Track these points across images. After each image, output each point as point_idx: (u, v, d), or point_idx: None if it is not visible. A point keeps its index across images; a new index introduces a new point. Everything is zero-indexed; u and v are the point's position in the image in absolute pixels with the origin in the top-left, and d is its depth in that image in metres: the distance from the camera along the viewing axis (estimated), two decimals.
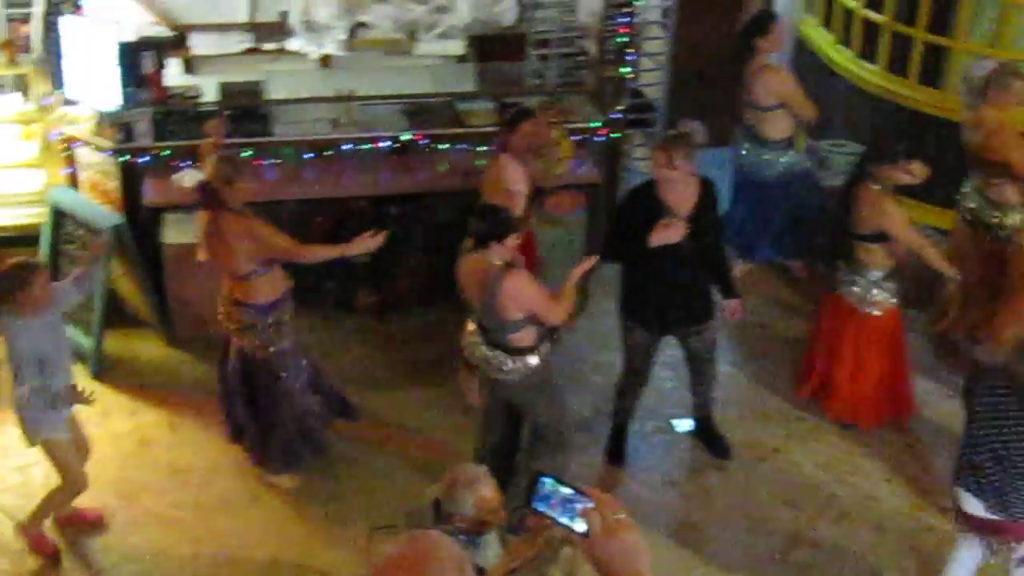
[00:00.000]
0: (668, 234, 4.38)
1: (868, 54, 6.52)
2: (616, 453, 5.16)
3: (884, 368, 5.24)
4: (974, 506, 3.82)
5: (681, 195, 4.51)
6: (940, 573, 4.33)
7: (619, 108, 5.78)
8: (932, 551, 4.63)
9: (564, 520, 1.91)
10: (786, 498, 5.04)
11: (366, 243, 4.36)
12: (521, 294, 4.07)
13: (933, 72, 6.21)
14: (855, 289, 4.96)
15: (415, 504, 3.85)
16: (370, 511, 4.68)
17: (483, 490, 3.47)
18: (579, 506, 1.90)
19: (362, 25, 5.99)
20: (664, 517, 4.94)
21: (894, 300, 4.98)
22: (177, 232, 5.29)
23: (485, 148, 5.46)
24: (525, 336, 4.17)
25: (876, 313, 5.00)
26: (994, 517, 3.79)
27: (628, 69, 5.73)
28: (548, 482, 1.96)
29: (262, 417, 4.68)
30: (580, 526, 1.86)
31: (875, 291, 4.96)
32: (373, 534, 3.78)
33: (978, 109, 5.16)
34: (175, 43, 5.85)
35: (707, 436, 5.23)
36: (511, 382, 4.28)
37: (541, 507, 1.94)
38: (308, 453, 4.81)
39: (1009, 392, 3.68)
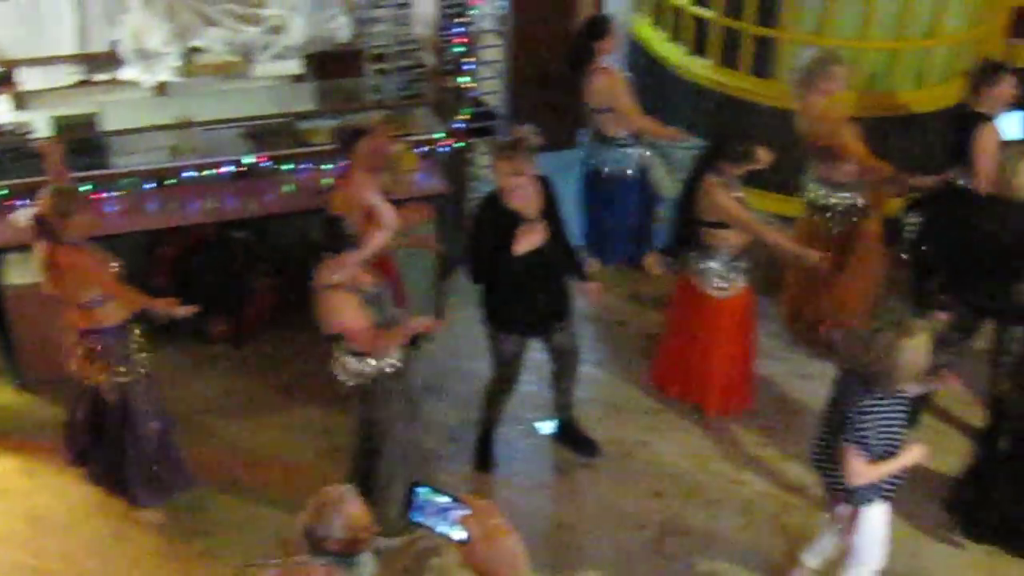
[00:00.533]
0: (532, 239, 4.54)
1: (699, 49, 6.78)
2: (485, 460, 5.26)
3: (734, 352, 5.43)
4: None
5: (528, 199, 4.65)
6: (806, 550, 4.57)
7: (461, 118, 5.87)
8: (799, 529, 4.85)
9: (442, 529, 1.94)
10: (654, 490, 5.20)
11: (169, 306, 4.45)
12: (333, 316, 4.18)
13: (763, 63, 6.49)
14: (705, 272, 5.11)
15: (287, 534, 3.85)
16: (243, 543, 4.72)
17: (349, 508, 3.49)
18: (456, 514, 1.93)
19: (196, 50, 5.94)
20: (537, 519, 5.04)
21: (743, 282, 5.15)
22: (19, 273, 5.18)
23: (330, 167, 5.48)
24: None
25: (726, 296, 5.17)
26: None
27: (467, 78, 5.82)
28: (423, 492, 1.98)
29: (119, 450, 4.63)
30: (458, 534, 1.89)
31: (723, 274, 5.12)
32: (245, 570, 3.82)
33: (805, 97, 5.44)
34: (2, 79, 5.72)
35: (572, 437, 5.35)
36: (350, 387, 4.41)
37: (418, 518, 1.97)
38: (174, 486, 4.81)
39: (853, 374, 3.91)
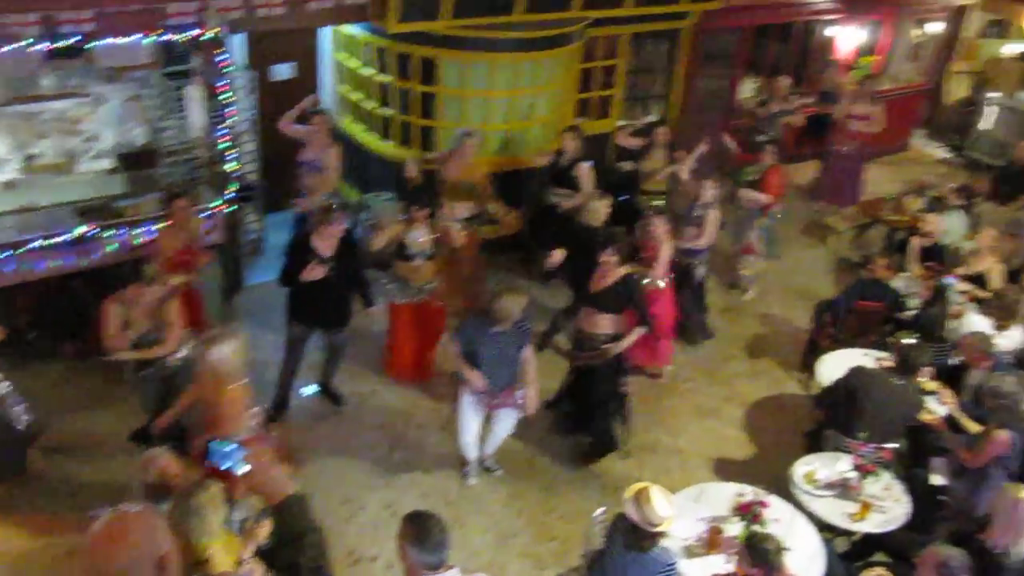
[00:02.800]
0: (314, 274, 6.46)
1: (386, 135, 9.52)
2: (282, 406, 7.23)
3: (421, 339, 7.67)
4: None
5: (327, 244, 6.55)
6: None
7: (230, 191, 8.02)
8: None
9: (229, 465, 2.54)
10: (383, 421, 7.39)
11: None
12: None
13: (428, 142, 9.31)
14: (402, 290, 7.35)
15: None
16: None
17: (164, 464, 4.17)
18: (240, 454, 2.63)
19: (32, 156, 7.68)
20: (309, 452, 6.89)
21: (426, 295, 7.35)
22: None
23: (140, 231, 7.49)
24: None
25: (416, 302, 7.40)
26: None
27: (233, 164, 7.98)
28: (213, 445, 2.72)
29: None
30: (243, 468, 2.60)
31: (419, 289, 7.34)
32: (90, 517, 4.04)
33: (453, 160, 8.36)
34: None
35: (329, 393, 7.55)
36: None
37: (213, 461, 2.64)
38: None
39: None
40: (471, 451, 6.75)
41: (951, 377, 7.04)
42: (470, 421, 6.50)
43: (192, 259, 7.26)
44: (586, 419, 7.13)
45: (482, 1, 8.29)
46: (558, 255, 7.37)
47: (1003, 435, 5.82)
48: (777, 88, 11.04)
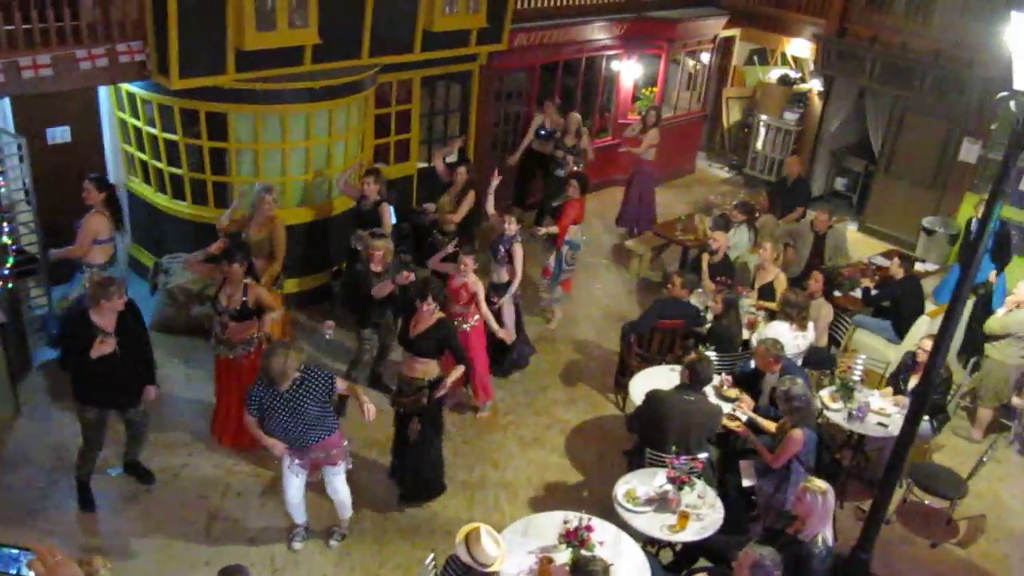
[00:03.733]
0: (103, 348, 6.08)
1: (179, 194, 9.19)
2: (86, 501, 6.76)
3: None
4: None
5: (107, 319, 6.19)
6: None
7: (8, 265, 7.56)
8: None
9: (13, 572, 2.19)
10: (199, 494, 7.03)
11: None
12: None
13: (223, 198, 8.99)
14: (222, 348, 7.22)
15: None
16: None
17: None
18: (24, 559, 2.22)
19: None
20: (123, 538, 6.50)
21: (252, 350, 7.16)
22: None
23: None
24: None
25: (244, 361, 7.22)
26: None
27: (8, 236, 7.54)
28: None
29: None
30: (29, 574, 2.20)
31: (239, 348, 7.18)
32: None
33: (255, 217, 8.15)
34: None
35: (136, 470, 7.13)
36: None
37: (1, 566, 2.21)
38: None
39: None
40: (298, 515, 6.59)
41: (750, 382, 7.51)
42: (290, 484, 6.34)
43: None
44: (412, 462, 7.08)
45: (268, 53, 8.16)
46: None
47: (797, 433, 6.26)
48: (569, 122, 11.49)
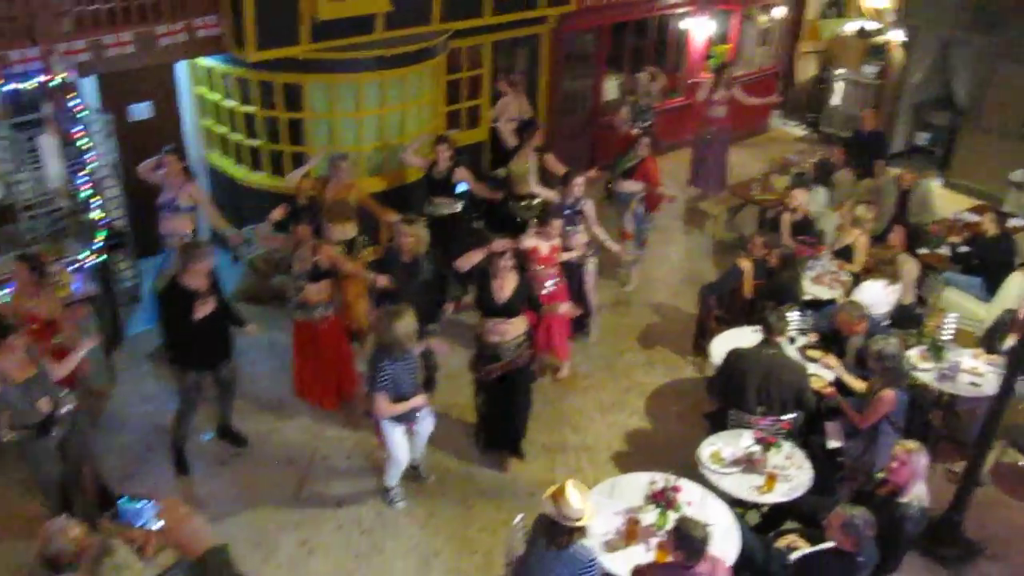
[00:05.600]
0: (206, 308, 6.34)
1: (257, 166, 9.31)
2: (182, 466, 6.99)
3: (333, 360, 7.61)
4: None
5: (200, 281, 6.41)
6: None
7: (98, 240, 7.73)
8: (374, 458, 7.09)
9: (142, 524, 2.66)
10: (288, 457, 7.24)
11: None
12: None
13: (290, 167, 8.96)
14: (299, 311, 7.39)
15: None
16: None
17: (72, 532, 4.01)
18: (152, 511, 2.68)
19: None
20: (216, 501, 6.69)
21: (321, 316, 7.38)
22: None
23: (3, 292, 7.01)
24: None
25: (322, 324, 7.38)
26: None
27: (98, 212, 7.68)
28: (122, 502, 2.80)
29: None
30: (157, 524, 2.62)
31: (316, 311, 7.33)
32: None
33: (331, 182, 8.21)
34: None
35: (227, 434, 7.33)
36: None
37: (124, 520, 2.70)
38: None
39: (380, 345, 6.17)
40: (401, 472, 6.70)
41: (835, 345, 7.35)
42: (402, 443, 6.47)
43: (55, 324, 6.82)
44: (512, 426, 7.18)
45: (340, 22, 8.20)
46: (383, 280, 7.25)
47: (889, 394, 6.12)
48: (639, 82, 11.33)
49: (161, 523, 2.67)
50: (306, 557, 6.34)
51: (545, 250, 7.80)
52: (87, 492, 6.12)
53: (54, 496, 5.95)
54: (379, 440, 6.64)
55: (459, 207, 9.12)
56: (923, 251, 9.32)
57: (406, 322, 5.89)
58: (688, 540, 4.70)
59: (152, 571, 3.38)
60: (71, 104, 7.40)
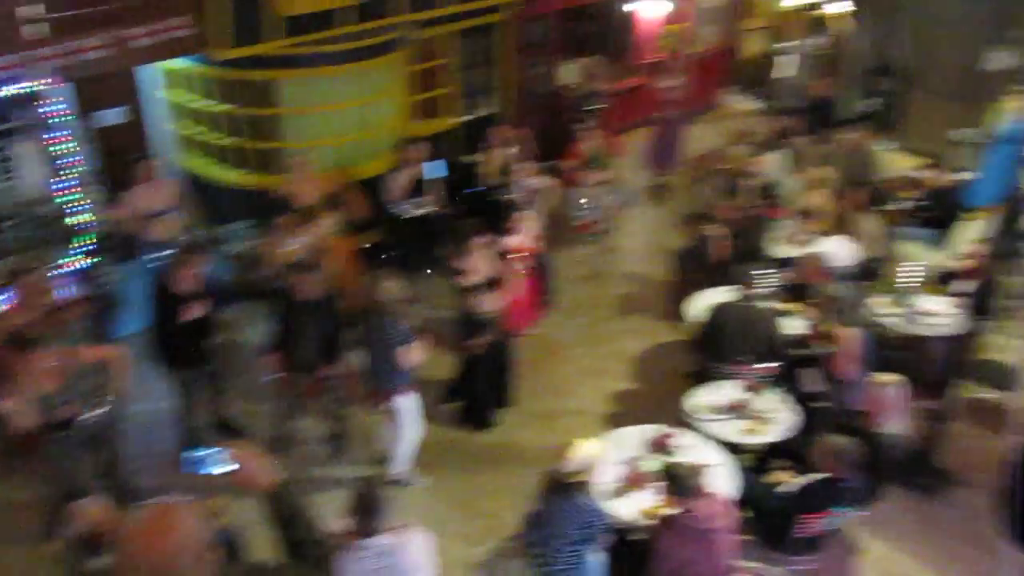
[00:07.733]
0: (195, 311, 6.50)
1: (233, 164, 9.45)
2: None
3: None
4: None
5: (190, 283, 6.50)
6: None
7: (88, 243, 7.78)
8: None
9: (216, 469, 2.57)
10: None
11: None
12: None
13: (276, 165, 9.25)
14: None
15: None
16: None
17: (91, 512, 4.18)
18: (223, 455, 2.59)
19: None
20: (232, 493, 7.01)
21: None
22: None
23: None
24: None
25: None
26: None
27: (85, 216, 7.78)
28: (189, 455, 2.63)
29: None
30: (231, 465, 2.57)
31: None
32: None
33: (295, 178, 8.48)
34: None
35: (222, 427, 7.27)
36: None
37: (197, 470, 2.61)
38: None
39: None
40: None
41: (802, 297, 7.72)
42: (418, 414, 6.70)
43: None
44: (497, 394, 7.56)
45: (312, 17, 8.38)
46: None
47: (850, 331, 6.44)
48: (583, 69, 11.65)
49: (235, 464, 2.75)
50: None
51: (516, 243, 8.18)
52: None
53: (63, 491, 5.88)
54: (389, 427, 6.78)
55: (432, 207, 9.35)
56: (888, 207, 9.76)
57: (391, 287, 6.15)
58: (677, 480, 4.94)
59: None
60: (51, 110, 7.47)
